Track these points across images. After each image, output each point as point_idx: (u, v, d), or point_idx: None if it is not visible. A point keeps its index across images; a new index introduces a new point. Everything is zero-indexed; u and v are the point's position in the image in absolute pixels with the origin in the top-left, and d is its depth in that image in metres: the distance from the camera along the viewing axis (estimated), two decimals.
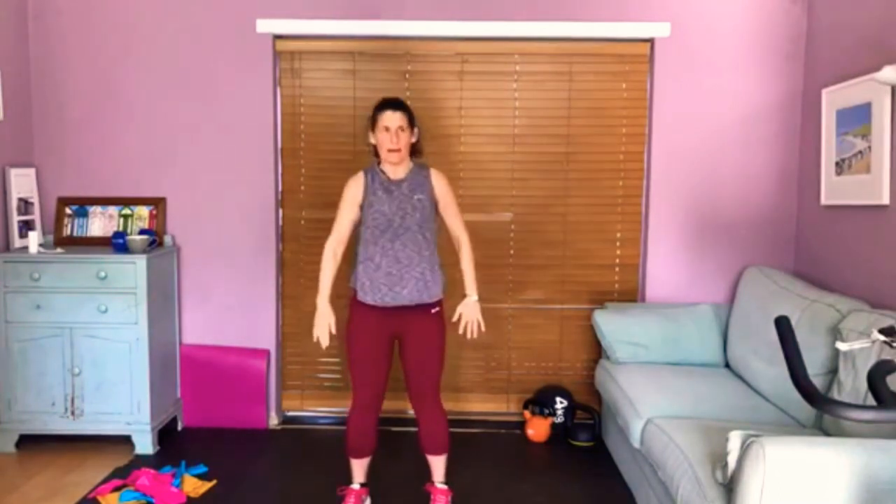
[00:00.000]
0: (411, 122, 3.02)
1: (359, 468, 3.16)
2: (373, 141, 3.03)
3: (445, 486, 3.16)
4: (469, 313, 3.07)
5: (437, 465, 3.16)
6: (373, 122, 3.02)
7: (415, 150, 3.10)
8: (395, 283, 2.93)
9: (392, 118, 2.95)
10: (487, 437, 4.06)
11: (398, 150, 2.95)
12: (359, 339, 3.01)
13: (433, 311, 3.03)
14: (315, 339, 3.01)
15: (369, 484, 3.22)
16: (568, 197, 4.18)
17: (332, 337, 3.03)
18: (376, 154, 3.05)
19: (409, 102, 3.13)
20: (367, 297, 2.97)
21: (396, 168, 3.01)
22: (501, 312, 4.24)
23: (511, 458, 3.79)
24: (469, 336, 3.07)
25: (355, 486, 3.15)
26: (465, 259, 3.10)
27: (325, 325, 3.00)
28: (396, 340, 3.07)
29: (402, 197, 2.97)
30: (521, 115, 4.14)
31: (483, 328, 3.08)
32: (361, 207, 3.02)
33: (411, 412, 3.20)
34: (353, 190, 3.03)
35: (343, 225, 3.04)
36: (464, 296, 3.10)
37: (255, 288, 4.15)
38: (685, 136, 4.03)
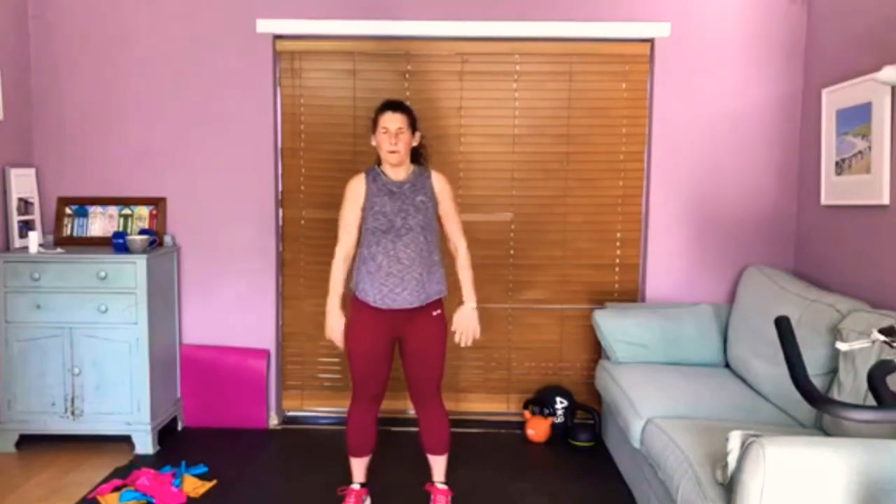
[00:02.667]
0: (412, 124, 3.01)
1: (359, 467, 3.16)
2: (374, 143, 3.02)
3: (445, 486, 3.16)
4: (465, 322, 3.06)
5: (438, 464, 3.16)
6: (374, 124, 3.01)
7: (418, 155, 3.09)
8: (395, 284, 2.92)
9: (392, 119, 2.94)
10: (487, 437, 4.06)
11: (396, 151, 2.94)
12: (360, 338, 3.01)
13: (434, 312, 3.03)
14: (328, 340, 3.05)
15: (369, 484, 3.22)
16: (568, 197, 4.18)
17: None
18: (378, 160, 3.06)
19: (409, 103, 3.13)
20: (368, 297, 2.97)
21: (397, 169, 3.01)
22: (501, 312, 4.24)
23: (511, 458, 3.79)
24: (463, 345, 3.07)
25: (355, 486, 3.15)
26: (463, 266, 3.09)
27: (337, 328, 3.02)
28: (397, 341, 3.06)
29: (403, 198, 2.96)
30: (521, 115, 4.14)
31: (478, 336, 3.08)
32: (363, 209, 3.01)
33: (411, 412, 3.21)
34: (355, 191, 3.02)
35: (350, 231, 3.04)
36: (461, 302, 3.09)
37: (255, 288, 4.15)
38: (685, 136, 4.03)
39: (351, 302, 3.06)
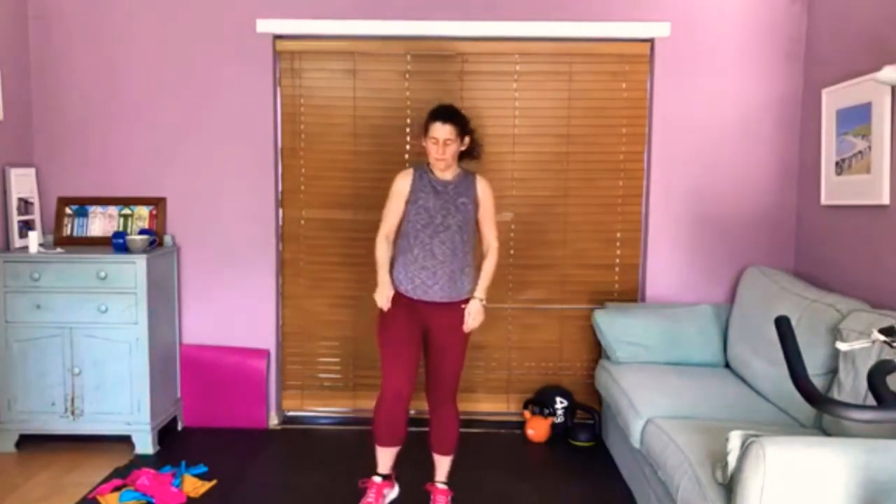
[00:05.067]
0: (462, 131, 3.09)
1: (385, 457, 3.13)
2: (424, 144, 3.10)
3: (446, 486, 3.16)
4: (476, 313, 3.10)
5: (442, 464, 3.17)
6: (425, 129, 3.09)
7: (470, 155, 3.18)
8: (428, 277, 3.03)
9: (441, 130, 3.03)
10: (487, 437, 4.06)
11: (443, 160, 3.04)
12: (391, 325, 3.05)
13: (462, 305, 3.08)
14: (379, 305, 3.07)
15: (391, 475, 3.18)
16: (568, 197, 4.18)
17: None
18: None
19: (461, 107, 3.19)
20: (401, 286, 3.06)
21: (444, 172, 3.10)
22: (501, 312, 4.24)
23: (511, 458, 3.79)
24: (466, 330, 3.09)
25: (377, 478, 3.13)
26: (489, 263, 3.16)
27: (385, 294, 3.04)
28: (424, 333, 3.10)
29: (447, 197, 3.06)
30: (521, 115, 4.14)
31: (477, 324, 3.11)
32: (407, 202, 3.08)
33: (412, 412, 3.20)
34: (402, 185, 3.12)
35: (391, 219, 3.14)
36: (472, 296, 3.11)
37: (255, 288, 4.15)
38: (685, 136, 4.03)
39: None
